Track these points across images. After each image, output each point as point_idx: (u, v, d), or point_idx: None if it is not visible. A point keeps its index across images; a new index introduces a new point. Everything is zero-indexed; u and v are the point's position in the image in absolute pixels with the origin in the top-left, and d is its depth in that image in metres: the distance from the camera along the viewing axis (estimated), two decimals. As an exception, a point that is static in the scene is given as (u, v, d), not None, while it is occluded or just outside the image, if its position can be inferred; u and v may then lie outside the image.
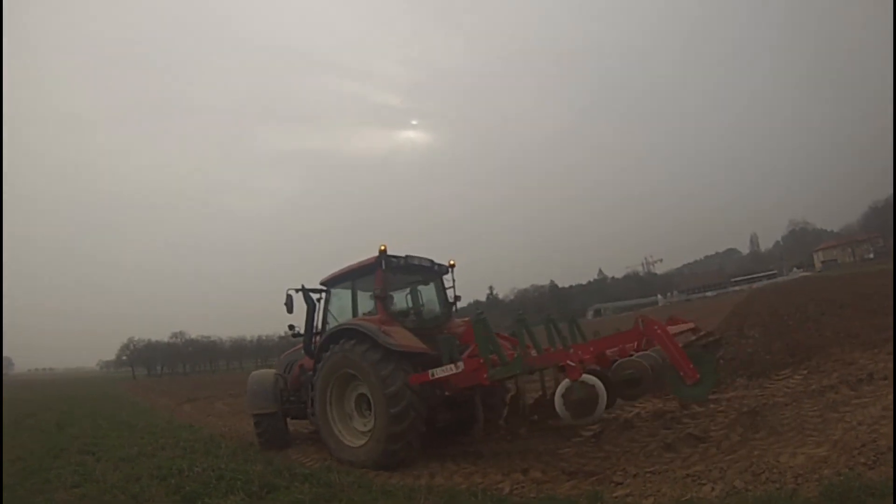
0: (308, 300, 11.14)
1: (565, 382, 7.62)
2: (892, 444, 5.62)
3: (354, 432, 9.34)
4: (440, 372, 8.66)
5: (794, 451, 6.14)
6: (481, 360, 8.39)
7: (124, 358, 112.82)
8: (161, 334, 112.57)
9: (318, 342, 10.58)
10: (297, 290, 10.98)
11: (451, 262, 11.09)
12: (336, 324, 10.38)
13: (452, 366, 8.58)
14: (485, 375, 8.30)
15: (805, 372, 9.83)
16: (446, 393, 8.88)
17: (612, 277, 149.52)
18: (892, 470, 5.14)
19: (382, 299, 9.81)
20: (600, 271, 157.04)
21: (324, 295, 11.29)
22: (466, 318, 10.40)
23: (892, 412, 6.68)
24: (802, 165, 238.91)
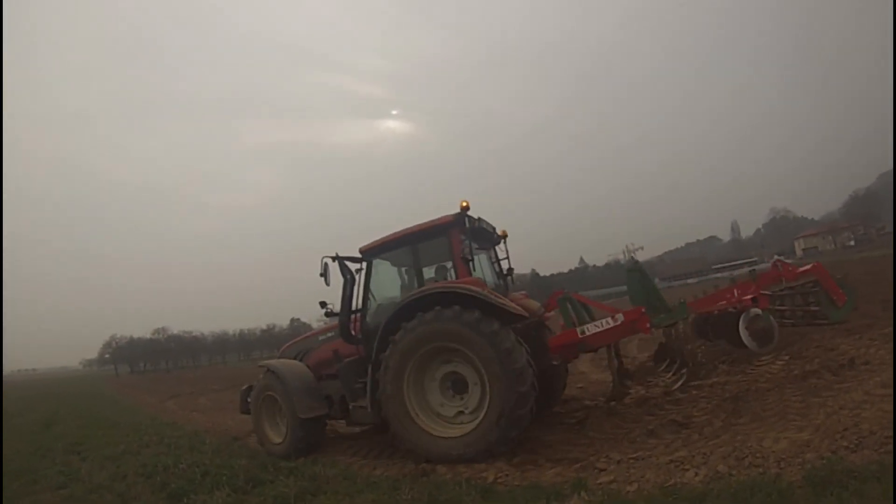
0: (346, 272, 9.54)
1: (748, 313, 8.71)
2: (873, 429, 5.62)
3: (438, 421, 8.16)
4: (593, 328, 8.48)
5: (777, 436, 6.14)
6: (642, 309, 8.48)
7: (107, 356, 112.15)
8: (143, 331, 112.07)
9: (357, 322, 9.59)
10: (333, 259, 9.48)
11: (504, 232, 10.09)
12: (380, 300, 9.53)
13: (610, 319, 8.43)
14: (647, 325, 8.43)
15: (787, 358, 9.85)
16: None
17: (594, 265, 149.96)
18: (874, 453, 5.16)
19: (466, 263, 8.74)
20: (581, 259, 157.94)
21: (363, 267, 9.72)
22: (523, 292, 10.34)
23: (872, 397, 6.70)
24: (784, 154, 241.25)
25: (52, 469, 9.89)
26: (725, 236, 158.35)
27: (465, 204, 8.74)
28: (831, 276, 9.49)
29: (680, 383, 8.99)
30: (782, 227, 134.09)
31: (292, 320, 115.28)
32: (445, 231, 8.84)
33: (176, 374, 69.16)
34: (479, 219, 9.21)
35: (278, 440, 9.71)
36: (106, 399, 30.78)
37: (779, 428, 6.51)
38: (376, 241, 9.45)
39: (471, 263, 8.87)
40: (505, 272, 10.03)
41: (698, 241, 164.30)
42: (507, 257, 10.04)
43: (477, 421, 7.74)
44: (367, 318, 9.49)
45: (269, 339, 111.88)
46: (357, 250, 9.60)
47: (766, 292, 9.36)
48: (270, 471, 7.88)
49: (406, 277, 9.81)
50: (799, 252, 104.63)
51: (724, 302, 9.15)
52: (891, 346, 8.81)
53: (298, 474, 7.52)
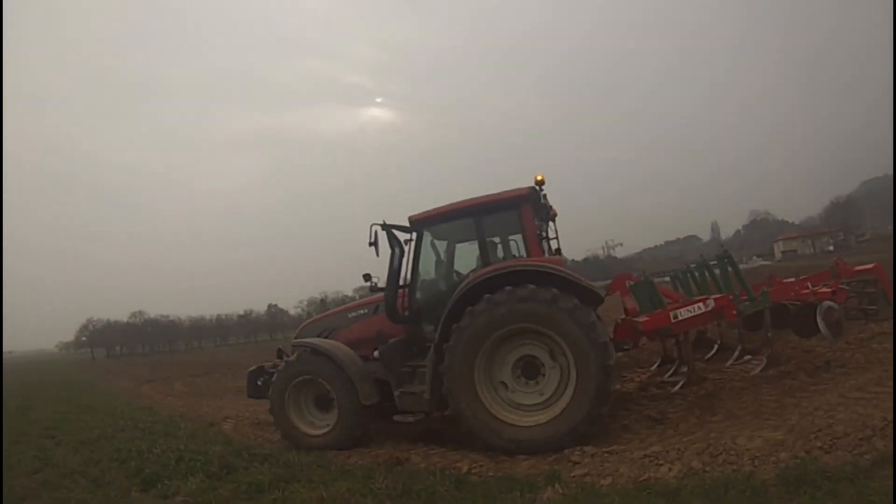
0: (394, 243, 8.69)
1: (824, 304, 9.43)
2: (847, 431, 5.64)
3: (511, 409, 7.62)
4: (685, 313, 8.46)
5: (751, 435, 6.17)
6: (730, 296, 8.66)
7: (83, 339, 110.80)
8: (120, 314, 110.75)
9: (405, 298, 8.90)
10: (381, 227, 8.59)
11: (555, 212, 9.19)
12: (433, 277, 9.11)
13: (702, 304, 8.47)
14: (733, 311, 8.65)
15: (763, 358, 9.93)
16: None
17: (573, 260, 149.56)
18: (848, 455, 5.20)
19: (539, 240, 8.40)
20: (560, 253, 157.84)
21: (412, 238, 9.01)
22: None
23: (847, 400, 6.76)
24: (766, 158, 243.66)
25: (27, 454, 9.76)
26: (705, 236, 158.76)
27: (540, 178, 8.35)
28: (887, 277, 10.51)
29: (680, 385, 9.01)
30: (762, 228, 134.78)
31: (270, 306, 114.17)
32: (518, 205, 8.33)
33: (152, 359, 68.54)
34: (545, 194, 8.68)
35: (315, 431, 8.87)
36: (82, 383, 30.45)
37: (753, 426, 6.56)
38: (431, 210, 8.77)
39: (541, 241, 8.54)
40: (554, 252, 9.12)
41: (678, 239, 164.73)
42: (557, 237, 9.26)
43: (564, 403, 7.33)
44: (418, 296, 8.96)
45: (245, 325, 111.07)
46: (406, 220, 8.94)
47: (844, 287, 10.15)
48: (245, 457, 7.77)
49: (457, 253, 9.34)
50: (778, 254, 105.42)
51: (807, 292, 9.82)
52: (866, 351, 8.90)
53: (272, 461, 7.43)
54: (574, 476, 6.01)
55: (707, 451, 5.86)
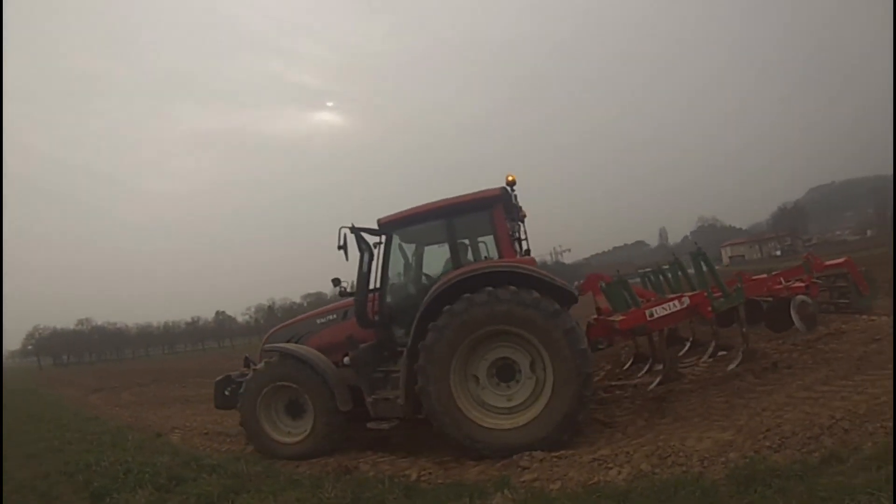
0: (364, 247, 8.57)
1: (798, 299, 9.68)
2: (795, 430, 5.69)
3: (485, 412, 7.46)
4: (661, 310, 8.43)
5: (700, 436, 6.20)
6: (704, 294, 8.75)
7: (30, 347, 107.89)
8: (67, 321, 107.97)
9: (375, 302, 8.65)
10: (350, 230, 8.43)
11: (524, 213, 9.10)
12: (403, 280, 8.98)
13: (677, 301, 8.48)
14: (709, 308, 8.73)
15: (710, 360, 10.05)
16: None
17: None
18: (796, 453, 5.24)
19: (511, 241, 8.28)
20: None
21: (382, 241, 8.78)
22: None
23: (794, 400, 6.88)
24: (713, 165, 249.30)
25: (-29, 468, 9.38)
26: (653, 242, 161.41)
27: (511, 178, 8.28)
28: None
29: (656, 383, 9.02)
30: (710, 234, 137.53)
31: (217, 313, 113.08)
32: (490, 205, 8.22)
33: (100, 367, 67.43)
34: (515, 195, 8.59)
35: (289, 439, 8.61)
36: (29, 393, 29.84)
37: (702, 428, 6.61)
38: (400, 212, 8.60)
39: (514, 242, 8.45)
40: (524, 253, 8.87)
41: (626, 244, 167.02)
42: (527, 238, 9.10)
43: (540, 407, 7.21)
44: (388, 300, 8.76)
45: (193, 332, 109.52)
46: (374, 223, 8.73)
47: (818, 281, 10.72)
48: (193, 468, 7.65)
49: (426, 256, 9.15)
50: (725, 259, 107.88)
51: (780, 287, 10.14)
52: (813, 352, 9.11)
53: (221, 472, 7.29)
54: (523, 481, 5.96)
55: (656, 454, 5.84)
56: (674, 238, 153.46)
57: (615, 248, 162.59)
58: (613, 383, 10.13)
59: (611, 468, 5.77)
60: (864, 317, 10.82)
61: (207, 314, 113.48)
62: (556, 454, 6.53)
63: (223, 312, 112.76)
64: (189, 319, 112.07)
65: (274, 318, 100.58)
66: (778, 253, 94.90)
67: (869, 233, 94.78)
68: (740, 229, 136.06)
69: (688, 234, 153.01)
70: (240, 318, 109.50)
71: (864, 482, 4.18)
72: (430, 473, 6.80)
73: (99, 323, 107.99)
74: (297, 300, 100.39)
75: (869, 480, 4.20)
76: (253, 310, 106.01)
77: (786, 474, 4.69)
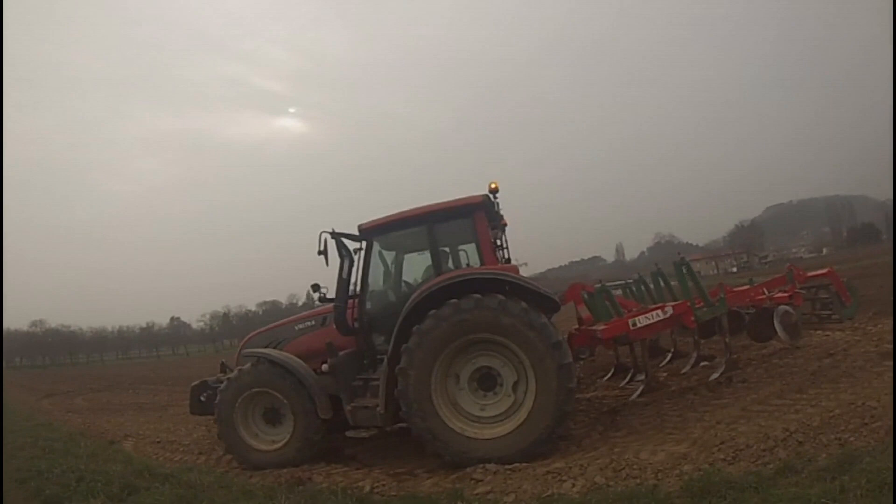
0: (343, 252, 8.44)
1: (781, 309, 9.48)
2: (749, 442, 5.74)
3: (471, 421, 7.31)
4: (644, 320, 8.35)
5: (654, 449, 6.21)
6: (687, 303, 8.69)
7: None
8: (19, 322, 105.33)
9: (355, 308, 8.49)
10: (331, 234, 8.25)
11: (504, 221, 9.18)
12: (383, 287, 8.86)
13: (660, 311, 8.41)
14: (692, 318, 8.66)
15: (665, 374, 10.13)
16: None
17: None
18: (751, 465, 5.27)
19: (494, 248, 8.27)
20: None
21: (362, 247, 8.63)
22: None
23: (748, 412, 6.94)
24: (672, 182, 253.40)
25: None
26: (610, 257, 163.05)
27: (494, 185, 8.28)
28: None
29: (638, 392, 9.01)
30: (667, 250, 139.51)
31: (172, 319, 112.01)
32: (471, 212, 8.13)
33: (53, 371, 65.79)
34: (497, 203, 8.63)
35: (267, 447, 8.37)
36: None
37: (656, 441, 6.62)
38: (381, 218, 8.46)
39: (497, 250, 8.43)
40: (505, 261, 9.02)
41: (582, 259, 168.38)
42: (507, 247, 9.27)
43: (521, 419, 7.07)
44: (368, 306, 8.59)
45: (147, 338, 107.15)
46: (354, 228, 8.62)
47: (801, 291, 10.69)
48: (146, 477, 7.43)
49: (407, 262, 9.09)
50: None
51: (762, 298, 9.95)
52: (767, 366, 9.26)
53: (174, 482, 7.11)
54: (477, 493, 5.89)
55: (610, 466, 5.84)
56: (630, 254, 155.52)
57: (571, 262, 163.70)
58: (622, 387, 10.19)
59: (565, 481, 5.73)
60: (819, 332, 11.02)
61: (162, 319, 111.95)
62: (510, 467, 6.49)
63: (178, 318, 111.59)
64: (143, 325, 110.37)
65: (229, 326, 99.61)
66: (734, 269, 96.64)
67: (825, 251, 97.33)
68: (697, 246, 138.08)
69: (644, 249, 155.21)
70: (195, 325, 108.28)
71: (819, 493, 4.20)
72: (383, 485, 6.71)
73: (53, 325, 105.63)
74: (253, 308, 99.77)
75: (824, 491, 4.21)
76: (208, 317, 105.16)
77: (740, 486, 4.68)
